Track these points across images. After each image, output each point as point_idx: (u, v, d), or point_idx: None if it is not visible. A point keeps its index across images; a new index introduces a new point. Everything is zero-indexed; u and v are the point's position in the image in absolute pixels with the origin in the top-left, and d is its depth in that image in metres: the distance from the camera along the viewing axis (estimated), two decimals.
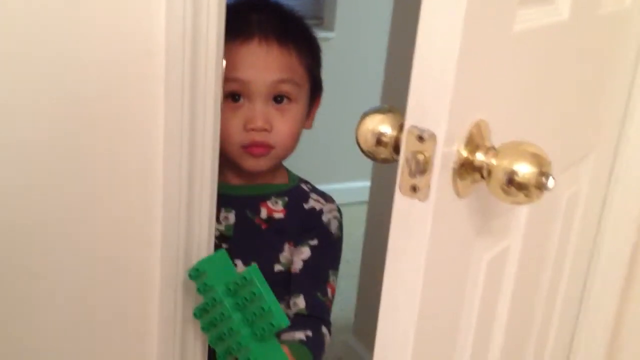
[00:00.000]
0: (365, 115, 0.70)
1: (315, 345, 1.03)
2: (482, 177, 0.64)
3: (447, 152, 0.61)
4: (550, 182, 0.62)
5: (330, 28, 3.14)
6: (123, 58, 0.82)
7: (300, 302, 1.07)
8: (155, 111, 0.85)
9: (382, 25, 2.09)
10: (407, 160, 0.62)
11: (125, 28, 0.81)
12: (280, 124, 1.08)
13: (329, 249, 1.14)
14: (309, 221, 1.14)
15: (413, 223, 0.63)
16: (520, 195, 0.63)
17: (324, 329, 1.07)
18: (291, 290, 1.09)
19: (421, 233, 0.62)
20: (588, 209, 1.08)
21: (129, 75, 0.83)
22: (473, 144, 0.64)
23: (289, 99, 1.09)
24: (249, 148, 1.07)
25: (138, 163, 0.88)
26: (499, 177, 0.63)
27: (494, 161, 0.63)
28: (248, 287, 0.91)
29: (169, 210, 0.90)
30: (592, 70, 0.91)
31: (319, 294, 1.09)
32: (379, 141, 0.69)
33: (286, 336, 1.01)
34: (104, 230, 0.88)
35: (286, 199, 1.14)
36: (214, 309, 0.93)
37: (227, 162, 1.09)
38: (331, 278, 1.12)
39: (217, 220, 1.08)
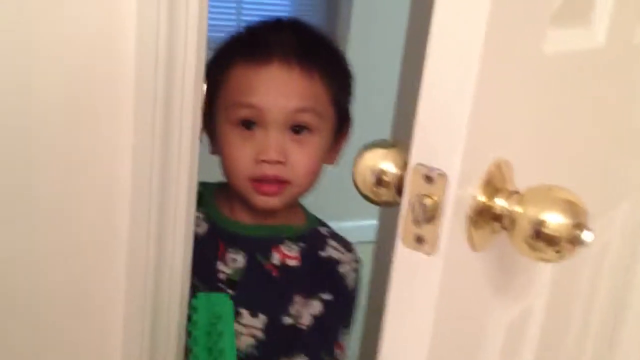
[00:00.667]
0: (365, 150, 0.59)
1: None
2: (504, 227, 0.53)
3: (460, 195, 0.50)
4: (587, 236, 0.51)
5: (342, 47, 3.06)
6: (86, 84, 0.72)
7: None
8: (122, 145, 0.74)
9: (396, 48, 2.00)
10: (411, 205, 0.51)
11: (91, 43, 0.70)
12: (297, 156, 0.94)
13: (343, 306, 1.01)
14: (324, 271, 1.01)
15: (418, 281, 0.51)
16: (550, 251, 0.52)
17: None
18: (294, 345, 0.97)
19: (427, 293, 0.51)
20: (618, 263, 0.96)
21: (93, 103, 0.72)
22: (492, 186, 0.53)
23: (309, 129, 0.95)
24: (258, 184, 0.94)
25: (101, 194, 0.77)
26: (525, 228, 0.51)
27: (518, 208, 0.52)
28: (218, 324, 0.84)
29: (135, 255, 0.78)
30: (627, 104, 0.80)
31: (323, 354, 0.97)
32: (379, 181, 0.58)
33: None
34: (62, 255, 0.77)
35: (302, 244, 1.01)
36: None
37: (237, 197, 0.99)
38: (341, 337, 1.00)
39: (224, 262, 0.98)
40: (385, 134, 1.59)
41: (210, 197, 1.03)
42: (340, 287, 1.01)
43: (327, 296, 0.99)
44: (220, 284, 0.98)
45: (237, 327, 0.96)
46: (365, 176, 0.58)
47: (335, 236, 1.05)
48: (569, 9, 0.59)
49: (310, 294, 0.99)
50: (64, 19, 0.69)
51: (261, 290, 0.99)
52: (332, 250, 1.02)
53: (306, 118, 0.94)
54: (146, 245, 0.76)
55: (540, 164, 0.61)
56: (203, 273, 0.95)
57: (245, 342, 0.97)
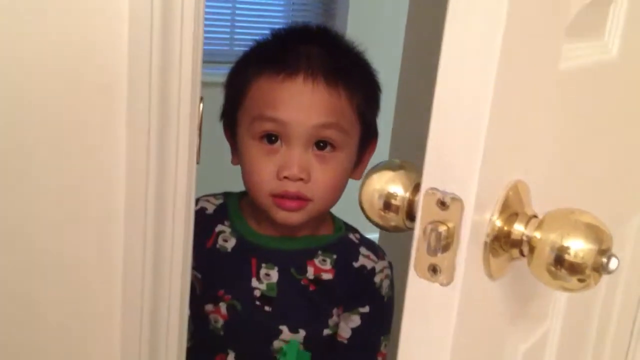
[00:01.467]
0: (371, 172, 0.56)
1: None
2: (522, 254, 0.50)
3: (477, 221, 0.47)
4: (613, 264, 0.47)
5: None
6: (77, 94, 0.68)
7: None
8: (117, 158, 0.71)
9: (392, 49, 1.96)
10: (424, 233, 0.47)
11: (83, 62, 0.67)
12: (320, 173, 0.92)
13: (380, 316, 1.01)
14: (359, 283, 0.99)
15: (433, 312, 0.48)
16: (573, 280, 0.48)
17: None
18: (337, 358, 0.99)
19: (444, 324, 0.48)
20: (631, 279, 0.93)
21: (84, 115, 0.69)
22: (510, 211, 0.50)
23: (333, 146, 0.93)
24: (280, 200, 0.92)
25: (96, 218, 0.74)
26: (545, 254, 0.48)
27: (538, 234, 0.49)
28: None
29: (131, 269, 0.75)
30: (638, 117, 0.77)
31: None
32: (387, 205, 0.55)
33: None
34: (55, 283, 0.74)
35: (334, 256, 0.99)
36: None
37: (261, 210, 0.96)
38: (382, 345, 1.00)
39: (257, 278, 0.97)
40: (384, 136, 1.57)
41: (235, 209, 1.02)
42: (377, 297, 1.00)
43: (364, 309, 0.99)
44: (257, 302, 0.96)
45: (277, 343, 0.96)
46: (372, 200, 0.55)
47: (365, 241, 1.03)
48: (582, 22, 0.56)
49: (347, 307, 0.98)
50: (56, 28, 0.66)
51: (299, 305, 0.98)
52: (364, 259, 1.00)
53: (330, 134, 0.92)
54: (142, 253, 0.73)
55: (557, 184, 0.58)
56: (238, 290, 0.96)
57: (287, 358, 0.96)
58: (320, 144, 0.92)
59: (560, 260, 0.48)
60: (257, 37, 1.01)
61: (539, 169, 0.54)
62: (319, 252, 0.99)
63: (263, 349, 0.97)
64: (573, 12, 0.54)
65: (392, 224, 0.56)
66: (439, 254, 0.47)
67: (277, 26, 1.12)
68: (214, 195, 1.04)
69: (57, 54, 0.66)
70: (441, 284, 0.47)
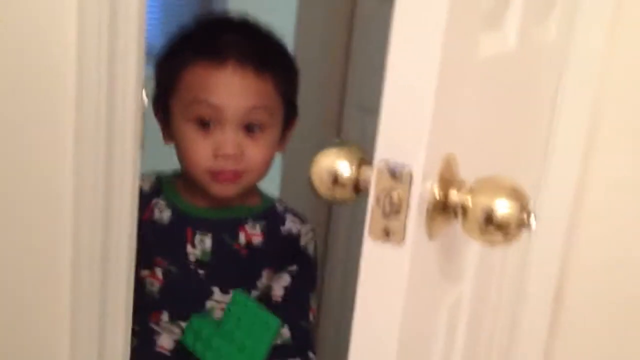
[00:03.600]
0: (319, 153, 0.63)
1: None
2: (456, 216, 0.58)
3: (423, 189, 0.54)
4: (533, 220, 0.56)
5: None
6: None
7: (285, 333, 1.06)
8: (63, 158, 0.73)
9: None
10: (378, 200, 0.54)
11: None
12: (252, 150, 1.02)
13: (308, 274, 1.13)
14: (287, 245, 1.11)
15: (388, 270, 0.55)
16: (499, 235, 0.57)
17: (311, 354, 1.08)
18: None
19: (397, 282, 0.55)
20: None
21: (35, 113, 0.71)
22: (445, 180, 0.58)
23: (261, 127, 1.03)
24: (216, 174, 1.02)
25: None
26: (477, 216, 0.57)
27: (469, 198, 0.57)
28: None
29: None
30: (537, 97, 0.89)
31: (302, 323, 1.09)
32: (335, 180, 0.61)
33: None
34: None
35: (264, 222, 1.10)
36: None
37: (194, 185, 1.06)
38: (312, 302, 1.12)
39: (192, 244, 1.06)
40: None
41: (169, 185, 1.11)
42: (304, 257, 1.12)
43: (293, 268, 1.10)
44: (191, 266, 1.06)
45: (210, 303, 1.07)
46: (322, 177, 0.61)
47: (290, 210, 1.15)
48: (493, 14, 0.65)
49: (277, 268, 1.09)
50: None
51: (231, 268, 1.08)
52: (291, 224, 1.12)
53: (259, 116, 1.02)
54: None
55: (477, 155, 0.67)
56: (174, 256, 1.05)
57: (218, 316, 1.06)
58: (250, 126, 1.02)
59: (489, 219, 0.56)
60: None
61: (463, 142, 0.62)
62: (249, 220, 1.09)
63: (196, 308, 1.06)
64: (487, 6, 0.62)
65: (339, 196, 0.62)
66: (392, 218, 0.54)
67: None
68: (146, 175, 1.10)
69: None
70: (393, 245, 0.54)
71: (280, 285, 1.09)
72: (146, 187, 1.09)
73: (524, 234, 0.58)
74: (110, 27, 0.67)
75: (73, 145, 0.70)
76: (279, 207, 1.14)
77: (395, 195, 0.53)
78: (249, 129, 1.02)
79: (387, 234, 0.55)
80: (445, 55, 0.51)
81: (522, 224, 0.56)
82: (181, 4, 3.11)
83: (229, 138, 1.00)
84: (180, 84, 1.02)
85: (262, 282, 1.09)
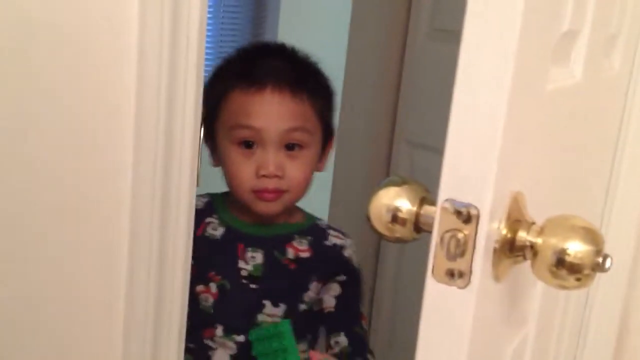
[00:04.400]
0: (379, 188, 0.60)
1: None
2: (525, 257, 0.55)
3: (490, 229, 0.51)
4: (608, 263, 0.53)
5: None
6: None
7: (342, 340, 1.11)
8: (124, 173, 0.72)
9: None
10: (442, 241, 0.52)
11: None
12: (292, 170, 1.08)
13: (356, 282, 1.18)
14: (333, 257, 1.17)
15: (452, 313, 0.52)
16: (571, 279, 0.54)
17: (370, 357, 1.13)
18: (329, 329, 1.14)
19: (462, 324, 0.52)
20: None
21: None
22: (512, 219, 0.55)
23: (301, 146, 1.09)
24: (259, 193, 1.08)
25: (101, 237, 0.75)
26: (547, 257, 0.53)
27: (539, 239, 0.54)
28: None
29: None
30: (605, 131, 0.85)
31: (357, 329, 1.13)
32: (395, 218, 0.59)
33: None
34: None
35: (309, 238, 1.16)
36: None
37: (242, 203, 1.12)
38: (362, 309, 1.17)
39: (244, 260, 1.12)
40: None
41: (221, 204, 1.18)
42: (350, 267, 1.18)
43: (341, 278, 1.16)
44: (243, 280, 1.12)
45: (261, 317, 1.12)
46: (381, 214, 0.59)
47: (332, 227, 1.21)
48: (560, 47, 0.63)
49: (326, 279, 1.15)
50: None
51: (281, 282, 1.13)
52: (334, 238, 1.18)
53: (298, 136, 1.08)
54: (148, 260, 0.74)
55: (547, 193, 0.64)
56: (227, 271, 1.11)
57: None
58: (290, 145, 1.08)
59: (561, 261, 0.53)
60: None
61: (531, 179, 0.59)
62: (296, 236, 1.16)
63: (248, 321, 1.12)
64: (555, 39, 0.60)
65: (398, 235, 0.60)
66: (457, 260, 0.51)
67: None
68: (200, 195, 1.15)
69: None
70: (459, 287, 0.52)
71: (330, 295, 1.15)
72: (200, 205, 1.14)
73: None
74: (170, 52, 0.67)
75: (132, 156, 0.70)
76: (321, 224, 1.21)
77: (460, 236, 0.51)
78: (289, 148, 1.08)
79: (451, 275, 0.52)
80: (514, 88, 0.49)
81: (597, 267, 0.53)
82: (233, 34, 3.15)
83: (270, 158, 1.06)
84: (223, 109, 1.09)
85: (309, 295, 1.14)
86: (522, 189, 0.57)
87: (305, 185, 1.12)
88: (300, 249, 1.15)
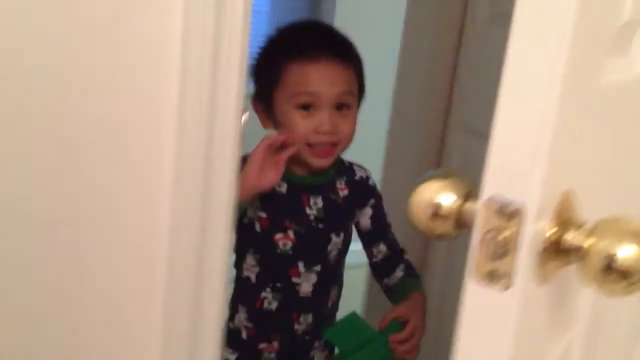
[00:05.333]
0: (420, 182, 0.58)
1: (413, 269, 1.45)
2: (573, 260, 0.52)
3: (535, 229, 0.48)
4: None
5: None
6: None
7: (382, 248, 1.43)
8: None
9: (381, 85, 2.00)
10: (484, 240, 0.49)
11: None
12: (343, 125, 1.29)
13: (381, 203, 1.45)
14: (362, 187, 1.43)
15: (493, 316, 0.50)
16: (621, 285, 0.50)
17: (406, 256, 1.45)
18: (368, 242, 1.44)
19: (503, 328, 0.50)
20: None
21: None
22: (562, 219, 0.52)
23: (348, 105, 1.30)
24: (315, 149, 1.28)
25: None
26: (596, 261, 0.50)
27: (589, 242, 0.51)
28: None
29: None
30: None
31: (390, 236, 1.45)
32: (436, 214, 0.57)
33: (392, 280, 1.42)
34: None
35: (344, 177, 1.41)
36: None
37: (297, 160, 1.31)
38: (388, 221, 1.46)
39: (309, 206, 1.34)
40: (381, 124, 1.90)
41: None
42: (375, 193, 1.46)
43: (371, 202, 1.44)
44: (312, 223, 1.34)
45: (329, 247, 1.37)
46: (421, 209, 0.57)
47: (352, 163, 1.45)
48: (619, 37, 0.59)
49: (362, 206, 1.43)
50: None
51: (339, 218, 1.39)
52: (359, 172, 1.45)
53: (347, 98, 1.29)
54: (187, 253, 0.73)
55: (599, 192, 0.60)
56: (298, 219, 1.33)
57: (334, 255, 1.38)
58: (339, 106, 1.28)
59: (611, 266, 0.50)
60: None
61: (584, 177, 0.56)
62: (336, 179, 1.40)
63: (321, 253, 1.36)
64: (614, 29, 0.56)
65: (439, 232, 0.57)
66: (498, 260, 0.49)
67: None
68: None
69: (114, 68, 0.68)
70: (500, 289, 0.49)
71: (366, 217, 1.43)
72: None
73: None
74: (215, 37, 0.66)
75: (174, 141, 0.70)
76: (346, 162, 1.44)
77: (503, 235, 0.48)
78: (338, 108, 1.28)
79: (492, 277, 0.49)
80: (567, 80, 0.46)
81: None
82: (291, 8, 3.15)
83: (326, 118, 1.26)
84: (282, 79, 1.28)
85: (353, 217, 1.42)
86: (574, 188, 0.54)
87: (352, 136, 1.32)
88: (342, 187, 1.40)
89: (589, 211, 0.54)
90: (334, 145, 1.30)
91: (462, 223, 0.55)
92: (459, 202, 0.55)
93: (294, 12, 3.13)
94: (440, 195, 0.56)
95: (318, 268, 1.36)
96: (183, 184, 0.74)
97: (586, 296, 0.70)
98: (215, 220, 0.76)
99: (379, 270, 1.46)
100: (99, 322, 0.78)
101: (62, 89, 0.71)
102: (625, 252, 0.50)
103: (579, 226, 0.52)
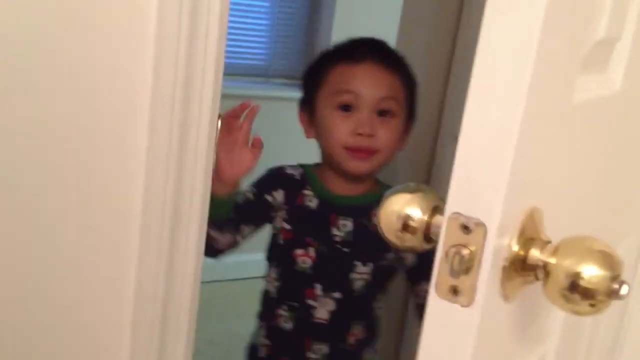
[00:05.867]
0: (390, 194, 0.58)
1: None
2: (537, 278, 0.52)
3: (498, 246, 0.49)
4: (624, 290, 0.50)
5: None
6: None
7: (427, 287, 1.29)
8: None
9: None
10: (447, 256, 0.49)
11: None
12: (383, 131, 1.23)
13: None
14: None
15: (453, 333, 0.50)
16: (585, 304, 0.51)
17: None
18: (414, 281, 1.31)
19: (464, 344, 0.50)
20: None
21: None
22: (526, 236, 0.52)
23: (391, 113, 1.24)
24: (353, 152, 1.22)
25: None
26: (560, 280, 0.50)
27: (553, 259, 0.51)
28: None
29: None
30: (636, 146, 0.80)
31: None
32: (405, 226, 0.57)
33: None
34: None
35: None
36: None
37: (334, 174, 1.28)
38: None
39: (337, 227, 1.27)
40: None
41: (313, 177, 1.32)
42: None
43: None
44: (337, 245, 1.27)
45: (353, 275, 1.27)
46: (391, 221, 0.57)
47: None
48: (595, 55, 0.59)
49: None
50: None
51: (368, 245, 1.26)
52: None
53: (388, 104, 1.24)
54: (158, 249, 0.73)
55: (565, 209, 0.60)
56: (322, 237, 1.27)
57: (359, 285, 1.27)
58: (381, 112, 1.23)
59: (574, 285, 0.50)
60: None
61: (550, 195, 0.56)
62: (375, 204, 1.21)
63: (342, 280, 1.27)
64: (587, 47, 0.56)
65: (408, 244, 0.58)
66: (461, 276, 0.49)
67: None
68: (292, 166, 1.34)
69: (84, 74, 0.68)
70: (462, 305, 0.49)
71: (411, 253, 1.28)
72: (297, 176, 1.32)
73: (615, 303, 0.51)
74: (188, 46, 0.66)
75: (145, 155, 0.70)
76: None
77: (466, 252, 0.48)
78: (380, 114, 1.23)
79: (455, 293, 0.50)
80: (532, 97, 0.46)
81: (612, 294, 0.50)
82: (289, 24, 3.13)
83: (365, 119, 1.21)
84: (326, 80, 1.26)
85: (391, 254, 1.29)
86: (540, 205, 0.54)
87: (392, 149, 1.26)
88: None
89: (556, 230, 0.54)
90: (372, 152, 1.23)
91: (429, 237, 0.56)
92: (426, 215, 0.55)
93: (293, 10, 3.12)
94: (408, 208, 0.56)
95: (337, 295, 1.28)
96: (154, 186, 0.74)
97: (557, 311, 0.70)
98: (186, 221, 0.76)
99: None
100: (67, 325, 0.77)
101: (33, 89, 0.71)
102: (589, 271, 0.50)
103: (544, 244, 0.52)
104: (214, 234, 1.17)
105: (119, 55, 0.69)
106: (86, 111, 0.71)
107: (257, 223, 1.30)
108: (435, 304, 0.50)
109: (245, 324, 1.49)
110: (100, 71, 0.69)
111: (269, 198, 1.29)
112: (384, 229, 0.58)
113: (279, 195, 1.29)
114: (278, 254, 1.30)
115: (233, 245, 1.26)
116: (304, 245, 1.27)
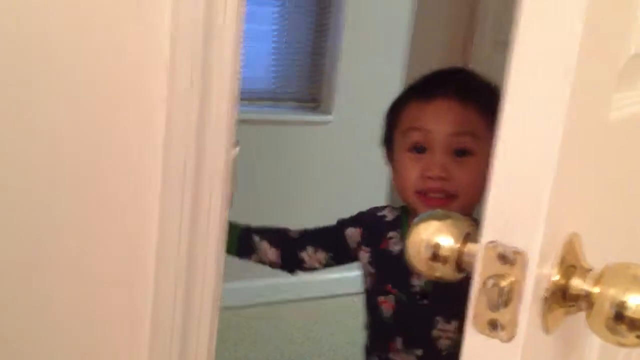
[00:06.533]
0: (418, 222, 0.55)
1: None
2: (580, 308, 0.49)
3: (539, 276, 0.46)
4: None
5: (327, 111, 3.03)
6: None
7: None
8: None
9: (381, 108, 1.98)
10: (484, 287, 0.46)
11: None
12: (459, 173, 1.10)
13: None
14: None
15: None
16: (631, 336, 0.47)
17: None
18: None
19: None
20: None
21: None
22: (566, 265, 0.49)
23: (470, 153, 1.11)
24: (424, 197, 1.11)
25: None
26: (605, 310, 0.47)
27: (597, 289, 0.48)
28: None
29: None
30: None
31: None
32: (435, 255, 0.54)
33: None
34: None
35: None
36: None
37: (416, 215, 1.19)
38: None
39: (417, 276, 1.15)
40: (376, 185, 1.66)
41: (405, 219, 1.22)
42: None
43: None
44: (416, 296, 1.16)
45: (435, 332, 1.15)
46: (419, 250, 0.54)
47: None
48: (628, 71, 0.56)
49: None
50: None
51: (451, 299, 1.09)
52: None
53: (465, 141, 1.10)
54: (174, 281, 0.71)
55: (606, 235, 0.57)
56: (400, 285, 1.17)
57: (445, 344, 1.15)
58: (459, 152, 1.10)
59: (620, 315, 0.47)
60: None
61: (590, 220, 0.53)
62: None
63: (423, 335, 1.16)
64: (621, 63, 0.54)
65: (438, 273, 0.55)
66: (500, 309, 0.46)
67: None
68: (394, 207, 1.25)
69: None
70: (502, 340, 0.46)
71: None
72: (389, 217, 1.24)
73: None
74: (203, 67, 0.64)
75: (161, 170, 0.68)
76: None
77: (505, 283, 0.45)
78: (457, 154, 1.10)
79: (494, 327, 0.46)
80: (571, 116, 0.43)
81: None
82: (293, 50, 3.11)
83: (436, 160, 1.10)
84: (400, 119, 1.18)
85: None
86: (580, 231, 0.51)
87: (475, 190, 1.10)
88: None
89: (596, 257, 0.51)
90: (449, 197, 1.11)
91: (462, 266, 0.53)
92: (459, 243, 0.52)
93: (301, 12, 3.08)
94: (438, 236, 0.53)
95: (419, 352, 1.18)
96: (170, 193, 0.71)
97: (595, 344, 0.66)
98: (204, 235, 0.73)
99: None
100: (83, 350, 0.75)
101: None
102: (636, 301, 0.47)
103: (585, 272, 0.49)
104: (243, 259, 1.23)
105: (135, 75, 0.68)
106: (102, 121, 0.70)
107: (329, 248, 1.25)
108: (473, 339, 0.47)
109: (259, 349, 1.45)
110: (116, 85, 0.68)
111: (347, 232, 1.23)
112: (412, 258, 0.55)
113: (355, 233, 1.23)
114: (366, 300, 1.23)
115: (285, 263, 1.25)
116: (385, 293, 1.19)
